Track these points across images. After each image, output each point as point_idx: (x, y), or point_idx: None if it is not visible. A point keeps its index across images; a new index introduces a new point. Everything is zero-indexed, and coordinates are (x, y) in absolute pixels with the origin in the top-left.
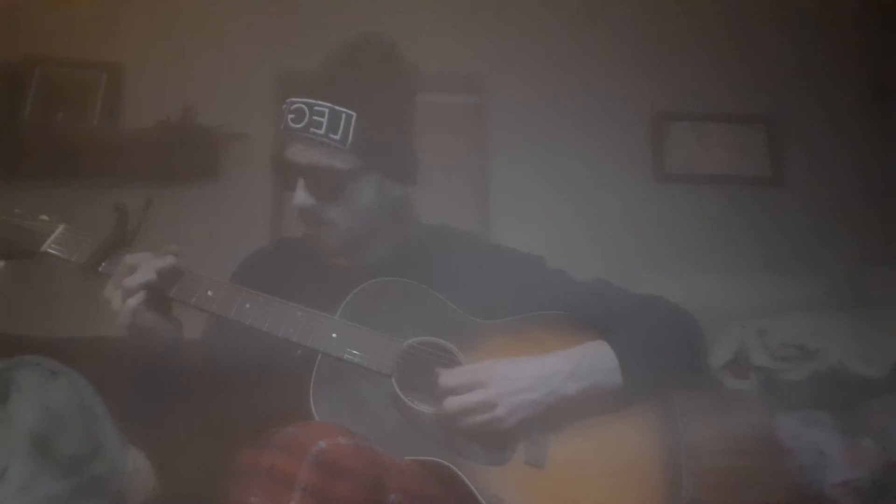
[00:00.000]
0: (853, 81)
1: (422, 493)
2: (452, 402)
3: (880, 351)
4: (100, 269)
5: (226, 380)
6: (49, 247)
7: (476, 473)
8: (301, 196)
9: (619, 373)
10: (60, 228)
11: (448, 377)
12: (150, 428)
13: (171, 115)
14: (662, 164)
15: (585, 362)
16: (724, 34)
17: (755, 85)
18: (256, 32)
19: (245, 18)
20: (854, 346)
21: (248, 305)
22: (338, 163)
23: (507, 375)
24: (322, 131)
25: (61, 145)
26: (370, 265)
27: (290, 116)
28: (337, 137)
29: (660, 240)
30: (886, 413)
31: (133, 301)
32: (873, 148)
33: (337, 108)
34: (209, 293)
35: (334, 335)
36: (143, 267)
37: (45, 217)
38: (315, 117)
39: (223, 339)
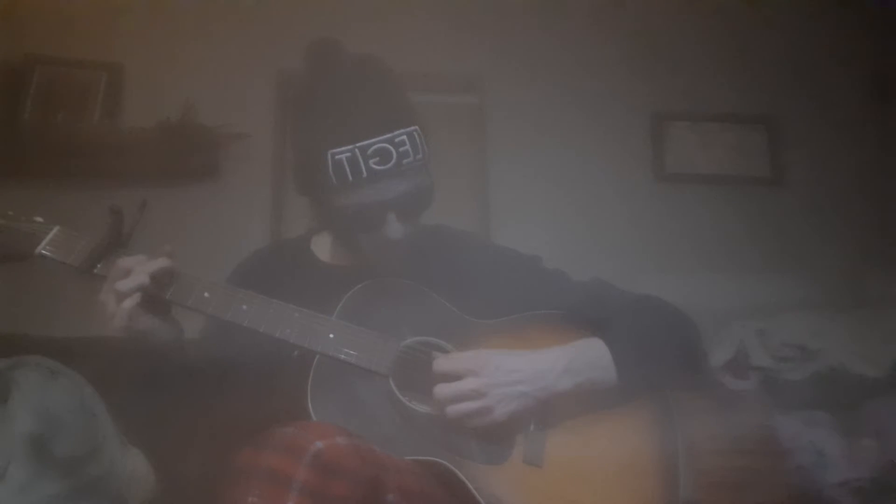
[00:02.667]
0: (853, 81)
1: (420, 493)
2: (443, 389)
3: (880, 351)
4: (95, 271)
5: (224, 380)
6: (44, 249)
7: (474, 472)
8: (397, 229)
9: (613, 369)
10: (55, 230)
11: (442, 363)
12: (149, 428)
13: (171, 115)
14: (662, 164)
15: (580, 358)
16: (724, 34)
17: (755, 85)
18: (256, 32)
19: (245, 18)
20: (854, 346)
21: (244, 307)
22: (423, 179)
23: (501, 366)
24: (412, 158)
25: (61, 145)
26: (367, 265)
27: (374, 161)
28: (421, 156)
29: (660, 240)
30: (886, 413)
31: (127, 304)
32: (873, 148)
33: (408, 129)
34: (206, 295)
35: (331, 336)
36: (137, 270)
37: (39, 219)
38: (401, 149)
39: (221, 340)
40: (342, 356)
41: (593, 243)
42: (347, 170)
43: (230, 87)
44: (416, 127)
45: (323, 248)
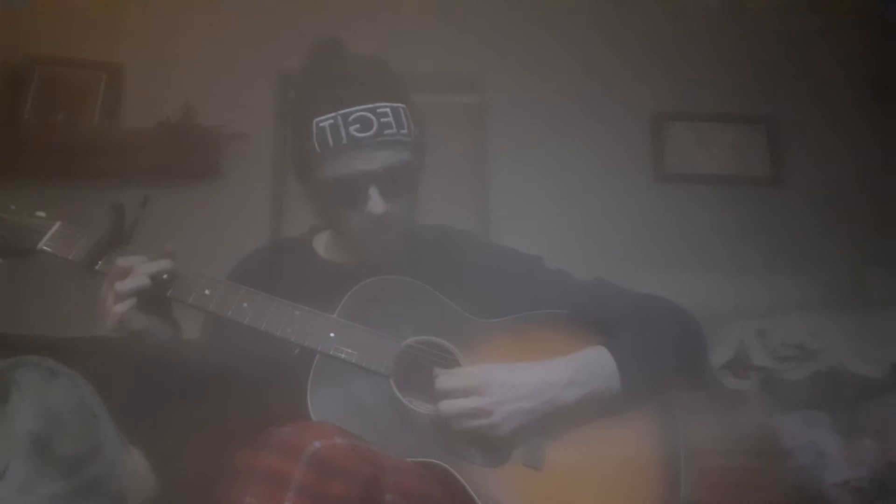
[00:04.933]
0: (853, 81)
1: (419, 494)
2: (447, 406)
3: (880, 351)
4: (97, 268)
5: (223, 380)
6: (45, 244)
7: (473, 475)
8: (379, 203)
9: (618, 378)
10: (57, 226)
11: (445, 380)
12: (149, 428)
13: (171, 115)
14: (662, 164)
15: (584, 370)
16: (723, 34)
17: (755, 85)
18: (256, 32)
19: (244, 18)
20: (854, 346)
21: (245, 304)
22: (408, 156)
23: (505, 382)
24: (394, 130)
25: (61, 145)
26: (368, 263)
27: (354, 128)
28: (406, 132)
29: (660, 240)
30: (886, 413)
31: (121, 307)
32: (873, 148)
33: (394, 104)
34: (206, 292)
35: (332, 334)
36: (136, 271)
37: (41, 214)
38: (383, 119)
39: (221, 339)
40: (342, 356)
41: (593, 243)
42: (329, 136)
43: (230, 87)
44: (404, 105)
45: (324, 246)
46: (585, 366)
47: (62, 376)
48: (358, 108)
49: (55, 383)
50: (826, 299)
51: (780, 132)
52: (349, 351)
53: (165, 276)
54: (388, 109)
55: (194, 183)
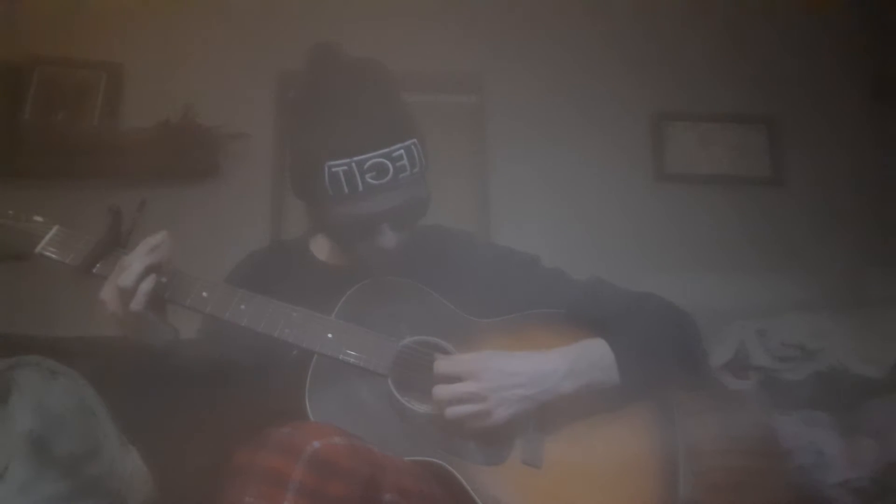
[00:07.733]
0: (853, 81)
1: (419, 493)
2: (442, 391)
3: (880, 351)
4: (94, 271)
5: (222, 380)
6: (43, 249)
7: (473, 473)
8: (391, 238)
9: (616, 370)
10: (54, 230)
11: (442, 364)
12: (148, 428)
13: (171, 115)
14: (662, 164)
15: (583, 360)
16: (724, 34)
17: (755, 85)
18: (256, 32)
19: (245, 18)
20: (854, 346)
21: (243, 306)
22: (419, 191)
23: (503, 369)
24: (409, 171)
25: (61, 145)
26: (365, 265)
27: (370, 175)
28: (417, 169)
29: (660, 240)
30: (886, 413)
31: (146, 285)
32: (873, 148)
33: (406, 142)
34: (204, 294)
35: (330, 335)
36: (139, 254)
37: (39, 218)
38: (398, 163)
39: (219, 340)
40: (340, 356)
41: (593, 243)
42: (344, 183)
43: (230, 87)
44: (415, 139)
45: (322, 248)
46: (584, 357)
47: (62, 376)
48: (373, 154)
49: (55, 383)
50: (826, 299)
51: (780, 132)
52: (347, 352)
53: (164, 279)
54: (402, 152)
55: (194, 183)
